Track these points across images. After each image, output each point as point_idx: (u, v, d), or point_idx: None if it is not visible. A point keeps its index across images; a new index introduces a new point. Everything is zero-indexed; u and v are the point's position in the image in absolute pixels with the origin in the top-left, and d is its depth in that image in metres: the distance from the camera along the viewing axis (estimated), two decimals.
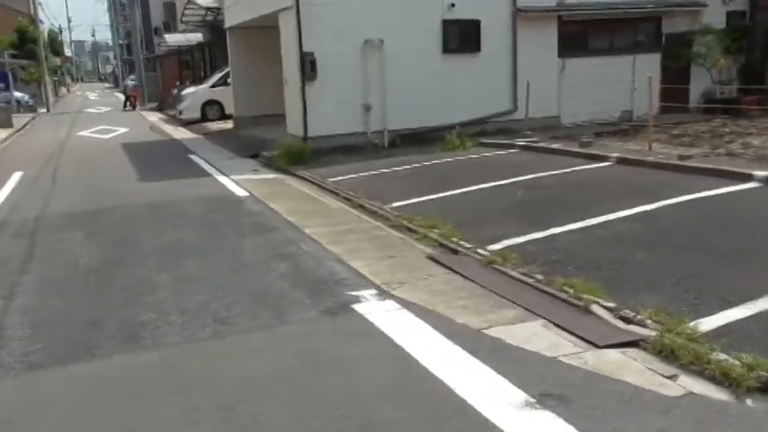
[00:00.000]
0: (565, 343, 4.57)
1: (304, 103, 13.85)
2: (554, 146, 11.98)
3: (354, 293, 5.62)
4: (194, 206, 9.60)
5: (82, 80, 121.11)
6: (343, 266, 6.42)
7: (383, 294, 5.60)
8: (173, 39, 32.07)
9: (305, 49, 13.67)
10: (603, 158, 10.50)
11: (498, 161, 11.68)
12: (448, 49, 14.85)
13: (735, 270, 5.50)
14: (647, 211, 7.42)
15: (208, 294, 5.73)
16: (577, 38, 16.23)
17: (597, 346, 4.49)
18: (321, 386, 4.01)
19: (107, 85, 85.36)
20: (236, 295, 5.69)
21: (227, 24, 19.81)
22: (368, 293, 5.62)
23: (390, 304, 5.36)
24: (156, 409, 3.81)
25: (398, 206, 8.77)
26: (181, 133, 21.44)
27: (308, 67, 13.68)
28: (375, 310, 5.25)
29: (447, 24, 14.74)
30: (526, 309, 5.21)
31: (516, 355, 4.38)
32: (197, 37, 29.45)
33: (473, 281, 5.91)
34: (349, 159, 12.99)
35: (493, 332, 4.77)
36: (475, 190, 9.40)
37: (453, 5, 14.59)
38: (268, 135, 16.47)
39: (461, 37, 14.97)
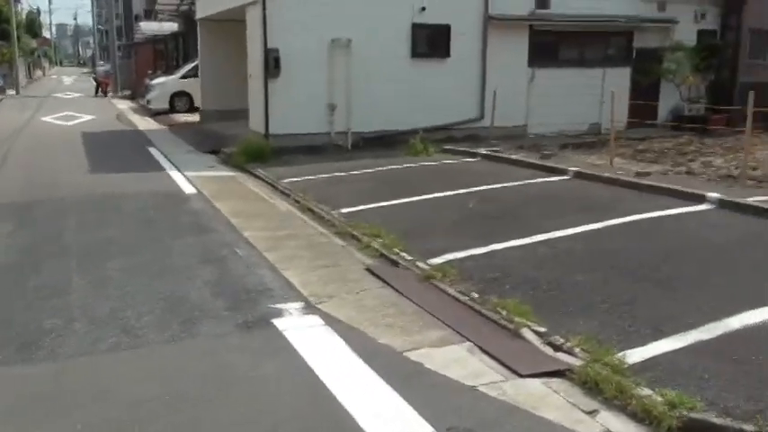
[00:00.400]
0: (487, 370, 4.33)
1: (266, 99, 13.52)
2: (515, 156, 11.80)
3: (278, 306, 5.34)
4: (136, 202, 9.24)
5: (61, 63, 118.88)
6: (275, 275, 6.13)
7: (309, 308, 5.33)
8: (147, 27, 31.47)
9: (269, 45, 13.33)
10: (561, 172, 10.33)
11: (458, 169, 11.46)
12: (417, 52, 14.61)
13: (673, 297, 5.31)
14: (594, 230, 7.23)
15: (122, 300, 5.41)
16: (548, 48, 16.09)
17: (520, 375, 4.27)
18: (213, 412, 3.72)
19: (85, 69, 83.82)
20: (152, 302, 5.38)
21: (198, 15, 19.38)
22: (292, 307, 5.35)
23: (313, 320, 5.09)
24: None
25: (348, 212, 8.51)
26: (146, 124, 20.95)
27: (272, 63, 13.34)
28: (295, 326, 4.97)
29: (417, 28, 14.50)
30: (455, 330, 4.97)
31: (433, 383, 4.14)
32: (172, 26, 28.90)
33: (407, 297, 5.67)
34: (309, 160, 12.69)
35: (415, 355, 4.52)
36: (428, 198, 9.17)
37: (424, 9, 14.34)
38: (232, 130, 16.08)
39: (431, 41, 14.75)
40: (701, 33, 17.79)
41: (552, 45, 16.19)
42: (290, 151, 13.17)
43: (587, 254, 6.50)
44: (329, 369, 4.23)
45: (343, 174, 11.32)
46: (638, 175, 9.86)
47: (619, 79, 16.76)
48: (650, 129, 16.47)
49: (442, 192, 9.46)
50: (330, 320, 5.07)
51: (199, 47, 19.94)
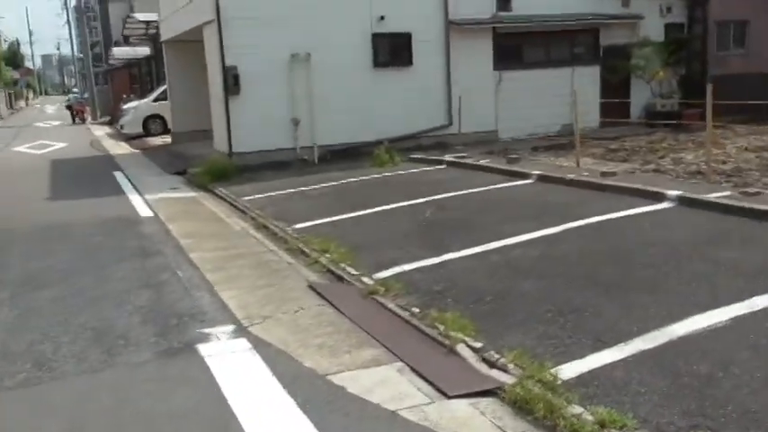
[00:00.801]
0: (413, 392, 4.08)
1: (228, 118, 13.31)
2: (480, 162, 11.59)
3: (207, 331, 5.09)
4: (86, 228, 8.99)
5: (46, 93, 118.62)
6: (212, 298, 5.89)
7: (239, 332, 5.08)
8: (121, 52, 31.28)
9: (227, 63, 13.14)
10: (525, 176, 10.12)
11: (421, 178, 11.25)
12: (379, 62, 14.43)
13: (621, 303, 5.07)
14: (549, 235, 7.00)
15: (44, 331, 5.17)
16: (514, 50, 15.94)
17: (447, 397, 4.02)
18: None
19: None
20: (75, 332, 5.13)
21: (163, 38, 19.19)
22: (222, 331, 5.10)
23: (241, 344, 4.84)
24: None
25: (304, 227, 8.28)
26: (119, 149, 20.71)
27: (231, 81, 13.14)
28: (220, 351, 4.72)
29: (377, 38, 14.33)
30: (388, 349, 4.73)
31: (352, 409, 3.88)
32: (145, 51, 28.72)
33: (345, 315, 5.43)
34: (273, 176, 12.47)
35: (339, 378, 4.27)
36: (387, 210, 8.94)
37: (383, 18, 14.18)
38: (201, 150, 15.83)
39: (392, 50, 14.57)
40: (668, 27, 17.68)
41: (517, 47, 16.05)
42: (254, 168, 12.95)
43: (539, 260, 6.27)
44: (244, 398, 3.98)
45: (306, 188, 11.11)
46: (604, 175, 9.65)
47: (588, 78, 16.67)
48: (624, 127, 16.29)
49: (402, 202, 9.24)
50: (258, 344, 4.82)
51: (166, 69, 19.75)
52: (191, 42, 17.43)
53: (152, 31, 23.61)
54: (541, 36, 16.20)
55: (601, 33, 16.88)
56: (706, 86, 17.89)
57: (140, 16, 21.94)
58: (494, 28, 15.55)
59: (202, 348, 4.75)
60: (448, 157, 12.35)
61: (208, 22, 13.62)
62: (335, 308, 5.57)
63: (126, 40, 37.56)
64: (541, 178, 9.85)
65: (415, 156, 13.35)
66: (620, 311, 4.91)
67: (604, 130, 16.40)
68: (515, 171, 10.43)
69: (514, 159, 11.70)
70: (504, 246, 6.78)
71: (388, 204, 9.15)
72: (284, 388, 4.10)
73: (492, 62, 15.65)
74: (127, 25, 23.40)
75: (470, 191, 9.61)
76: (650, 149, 13.23)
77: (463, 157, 12.34)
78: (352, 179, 11.57)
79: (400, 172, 11.93)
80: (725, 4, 17.65)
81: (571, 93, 15.82)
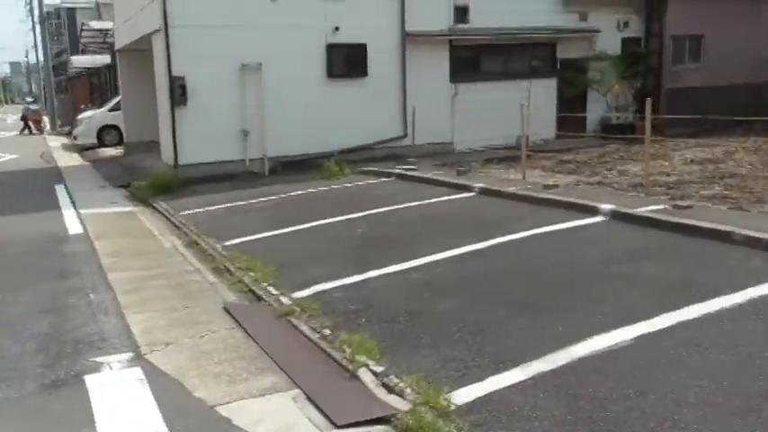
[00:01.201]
0: (303, 422, 3.88)
1: (174, 129, 13.02)
2: (427, 175, 11.43)
3: (100, 360, 4.83)
4: (8, 248, 8.63)
5: (12, 101, 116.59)
6: (118, 322, 5.63)
7: (136, 360, 4.82)
8: (80, 61, 30.71)
9: (175, 73, 12.86)
10: (468, 189, 9.98)
11: (367, 191, 11.06)
12: (333, 73, 14.25)
13: (532, 322, 4.92)
14: (476, 251, 6.84)
15: None
16: (470, 63, 15.89)
17: (336, 426, 3.82)
18: None
19: (34, 107, 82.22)
20: None
21: (117, 46, 18.87)
22: (117, 359, 4.84)
23: (132, 374, 4.58)
24: None
25: (235, 243, 8.04)
26: (70, 160, 20.21)
27: (178, 91, 12.86)
28: (109, 382, 4.47)
29: (332, 48, 14.16)
30: (288, 375, 4.51)
31: None
32: (104, 59, 28.22)
33: (253, 339, 5.20)
34: (219, 189, 12.17)
35: (228, 409, 4.05)
36: (324, 224, 8.73)
37: (338, 29, 14.02)
38: (153, 162, 15.48)
39: (347, 61, 14.40)
40: (625, 41, 17.77)
41: (474, 59, 15.99)
42: (200, 181, 12.66)
43: (461, 278, 6.11)
44: None
45: (250, 201, 10.86)
46: (546, 188, 9.55)
47: (544, 91, 16.68)
48: (580, 139, 16.30)
49: (341, 216, 9.04)
50: (152, 373, 4.57)
51: (119, 78, 19.37)
52: (143, 51, 17.09)
53: (110, 40, 23.22)
54: (499, 49, 16.16)
55: (558, 47, 16.91)
56: (660, 100, 18.14)
57: (96, 24, 21.56)
58: (450, 40, 15.48)
59: (90, 380, 4.48)
60: (397, 170, 12.20)
61: (156, 31, 13.34)
62: (245, 331, 5.34)
63: (84, 49, 37.09)
64: (483, 191, 9.72)
65: (366, 168, 13.16)
66: (529, 331, 4.76)
67: (560, 142, 16.40)
68: (459, 184, 10.30)
69: (463, 172, 11.58)
70: (430, 262, 6.61)
71: (326, 219, 8.94)
72: (165, 422, 3.86)
73: (448, 74, 15.57)
74: (83, 33, 22.98)
75: (410, 204, 9.44)
76: (600, 162, 13.20)
77: (413, 170, 12.19)
78: (298, 192, 11.34)
79: (347, 185, 11.73)
80: (681, 20, 17.79)
81: (528, 105, 15.99)
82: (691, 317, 4.72)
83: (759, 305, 4.83)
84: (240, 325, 5.50)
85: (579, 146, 15.67)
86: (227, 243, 8.08)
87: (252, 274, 6.70)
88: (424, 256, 6.80)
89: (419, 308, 5.41)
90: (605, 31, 17.21)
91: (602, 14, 17.21)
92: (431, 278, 6.14)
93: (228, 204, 10.70)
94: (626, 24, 17.80)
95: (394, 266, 6.54)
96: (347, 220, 8.83)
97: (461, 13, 15.39)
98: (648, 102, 9.20)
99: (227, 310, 5.89)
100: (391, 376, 4.26)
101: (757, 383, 3.77)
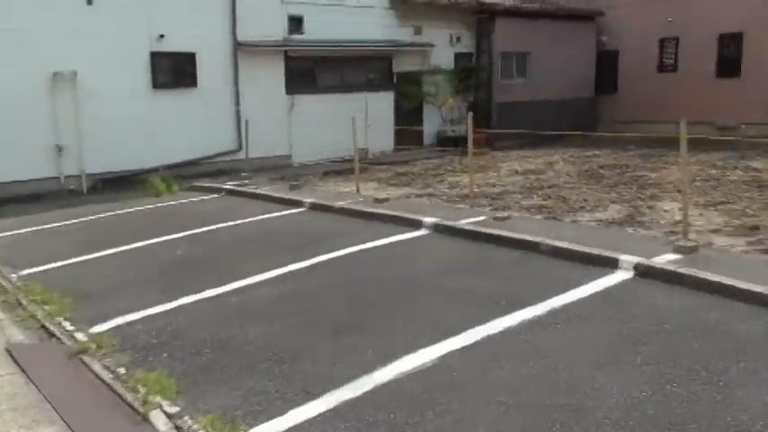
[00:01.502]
0: None
1: None
2: (259, 190, 11.08)
3: None
4: None
5: None
6: None
7: None
8: None
9: None
10: (298, 204, 9.76)
11: (193, 209, 10.48)
12: (159, 83, 13.47)
13: (342, 346, 4.73)
14: (298, 270, 6.61)
15: None
16: (307, 74, 15.72)
17: None
18: None
19: None
20: None
21: None
22: None
23: None
24: None
25: (35, 272, 7.22)
26: None
27: None
28: None
29: (156, 57, 13.37)
30: (69, 426, 3.98)
31: None
32: None
33: (34, 384, 4.57)
34: (28, 210, 11.00)
35: None
36: (138, 247, 8.08)
37: (163, 36, 13.27)
38: None
39: (175, 71, 13.68)
40: (458, 56, 18.46)
41: (311, 71, 15.86)
42: (5, 202, 11.37)
43: (278, 300, 5.83)
44: None
45: (57, 224, 9.88)
46: (377, 201, 9.54)
47: (382, 103, 16.91)
48: (418, 152, 16.71)
49: (161, 237, 8.44)
50: None
51: None
52: None
53: None
54: (336, 61, 16.15)
55: (394, 60, 17.21)
56: (491, 113, 19.05)
57: None
58: (285, 51, 15.22)
59: None
60: (227, 185, 11.71)
61: None
62: (27, 376, 4.70)
63: None
64: (314, 207, 9.54)
65: (197, 184, 12.54)
66: (339, 356, 4.58)
67: (398, 155, 16.69)
68: (290, 199, 10.05)
69: (296, 186, 11.34)
70: (250, 284, 6.27)
71: (143, 241, 8.29)
72: None
73: (284, 86, 15.29)
74: None
75: (238, 222, 9.04)
76: (434, 174, 13.53)
77: (245, 185, 11.76)
78: (118, 211, 10.52)
79: (173, 202, 11.07)
80: (507, 37, 18.79)
81: (366, 118, 16.14)
82: (495, 331, 4.76)
83: (558, 315, 4.99)
84: (22, 369, 4.84)
85: (416, 158, 16.03)
86: (25, 272, 7.23)
87: (47, 307, 5.99)
88: (244, 277, 6.46)
89: (229, 336, 5.06)
90: (439, 45, 17.78)
91: (436, 29, 17.77)
92: (248, 302, 5.80)
93: (35, 228, 9.66)
94: (458, 39, 18.50)
95: (210, 291, 6.13)
96: (167, 240, 8.25)
97: (296, 24, 15.21)
98: (470, 116, 9.50)
99: (9, 352, 5.18)
100: (186, 418, 3.88)
101: (551, 397, 3.81)
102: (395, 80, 17.24)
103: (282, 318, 5.39)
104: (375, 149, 16.70)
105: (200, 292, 6.12)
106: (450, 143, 17.09)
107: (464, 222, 7.73)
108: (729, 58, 18.55)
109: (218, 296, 6.03)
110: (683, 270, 5.58)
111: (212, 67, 14.05)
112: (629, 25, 20.03)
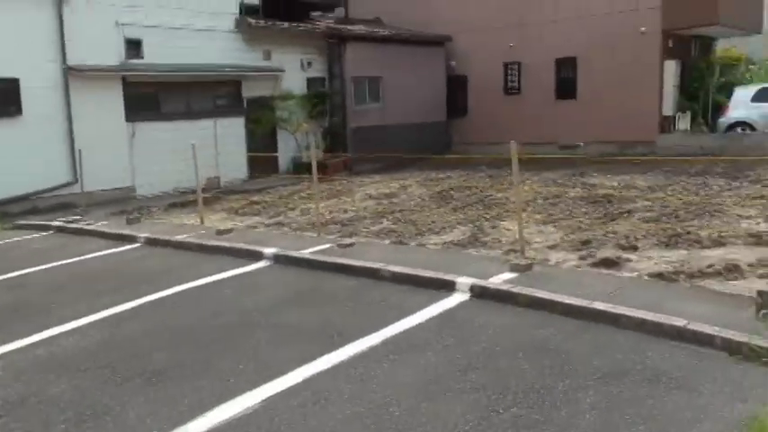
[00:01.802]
0: None
1: None
2: (91, 227, 10.18)
3: None
4: None
5: None
6: None
7: None
8: None
9: None
10: (133, 240, 9.05)
11: (13, 251, 9.43)
12: None
13: (156, 397, 4.23)
14: (121, 312, 6.00)
15: None
16: (149, 101, 14.87)
17: None
18: None
19: None
20: None
21: None
22: None
23: None
24: None
25: None
26: None
27: None
28: None
29: None
30: None
31: None
32: None
33: None
34: None
35: None
36: None
37: None
38: None
39: None
40: (310, 81, 18.29)
41: (153, 97, 15.01)
42: None
43: (92, 349, 5.20)
44: None
45: None
46: (219, 233, 9.03)
47: (232, 130, 16.38)
48: (273, 179, 16.27)
49: None
50: None
51: None
52: None
53: None
54: (181, 86, 15.40)
55: (244, 85, 16.72)
56: (347, 138, 19.04)
57: None
58: (123, 76, 14.31)
59: None
60: (57, 222, 10.68)
61: None
62: None
63: None
64: (150, 242, 8.86)
65: (24, 221, 11.37)
66: (152, 408, 4.08)
67: (253, 182, 16.19)
68: (123, 235, 9.29)
69: (133, 220, 10.56)
70: (61, 333, 5.58)
71: None
72: None
73: (124, 113, 14.35)
74: None
75: (62, 262, 8.19)
76: (287, 201, 13.16)
77: (77, 221, 10.78)
78: None
79: None
80: (359, 62, 18.89)
81: (215, 145, 15.53)
82: (325, 367, 4.48)
83: (391, 345, 4.80)
84: None
85: (271, 185, 15.59)
86: None
87: None
88: (58, 324, 5.76)
89: (26, 394, 4.41)
90: (290, 70, 17.52)
91: (286, 53, 17.50)
92: (56, 353, 5.13)
93: None
94: (310, 64, 18.34)
95: (13, 344, 5.38)
96: None
97: (135, 48, 14.37)
98: (313, 143, 9.43)
99: None
100: None
101: None
102: (245, 105, 16.75)
103: (94, 369, 4.80)
104: (228, 178, 16.11)
105: (1, 345, 5.36)
106: (306, 169, 16.75)
107: (307, 252, 7.44)
108: (567, 81, 19.79)
109: (23, 348, 5.30)
110: (516, 289, 5.60)
111: (40, 93, 12.92)
112: (476, 50, 20.88)
